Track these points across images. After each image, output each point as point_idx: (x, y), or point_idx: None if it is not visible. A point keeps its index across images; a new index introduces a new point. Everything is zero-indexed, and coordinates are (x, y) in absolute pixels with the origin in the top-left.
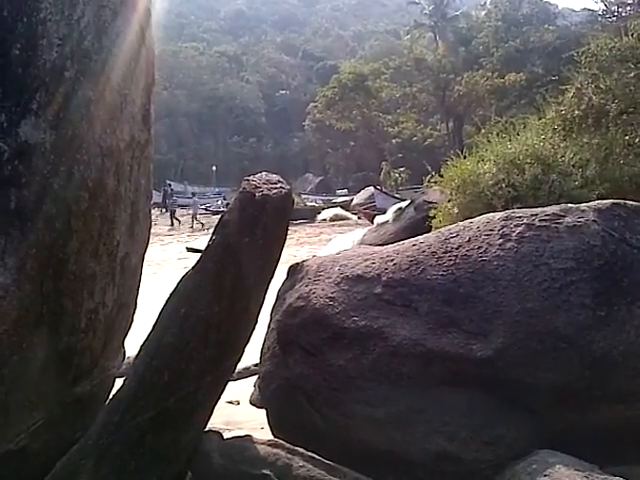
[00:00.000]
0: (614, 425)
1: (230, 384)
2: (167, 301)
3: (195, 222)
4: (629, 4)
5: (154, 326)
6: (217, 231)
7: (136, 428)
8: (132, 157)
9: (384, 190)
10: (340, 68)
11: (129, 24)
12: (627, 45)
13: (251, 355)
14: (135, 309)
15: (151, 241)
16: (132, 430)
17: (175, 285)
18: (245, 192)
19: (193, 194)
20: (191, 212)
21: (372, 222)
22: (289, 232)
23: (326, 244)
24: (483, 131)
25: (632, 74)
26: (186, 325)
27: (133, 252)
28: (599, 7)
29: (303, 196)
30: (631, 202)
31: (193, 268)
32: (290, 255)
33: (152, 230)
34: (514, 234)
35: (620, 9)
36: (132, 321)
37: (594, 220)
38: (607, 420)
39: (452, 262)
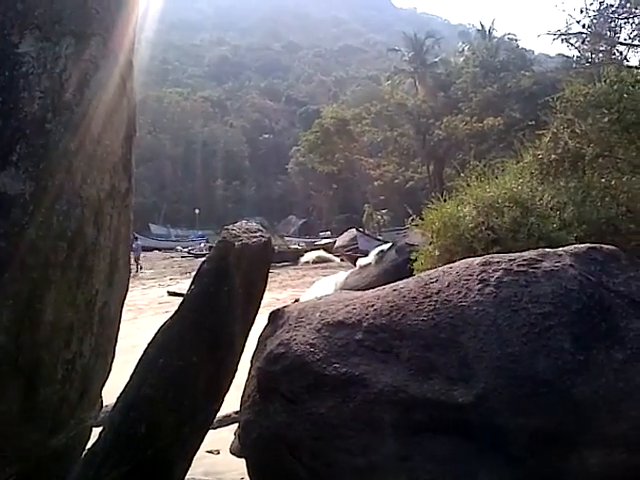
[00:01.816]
0: (597, 470)
1: (210, 433)
2: (145, 351)
3: (137, 266)
4: (602, 51)
5: (131, 377)
6: (196, 280)
7: None
8: (112, 206)
9: (366, 232)
10: (322, 113)
11: (111, 76)
12: (600, 91)
13: (232, 402)
14: (113, 358)
15: (133, 285)
16: None
17: (153, 335)
18: (224, 241)
19: (136, 238)
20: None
21: (355, 264)
22: (271, 275)
23: (309, 287)
24: (463, 174)
25: (606, 119)
26: (164, 376)
27: (112, 301)
28: (573, 54)
29: (286, 238)
30: (607, 246)
31: (171, 318)
32: (273, 298)
33: (134, 274)
34: (493, 279)
35: (593, 56)
36: (110, 370)
37: (571, 265)
38: (589, 466)
39: (432, 307)
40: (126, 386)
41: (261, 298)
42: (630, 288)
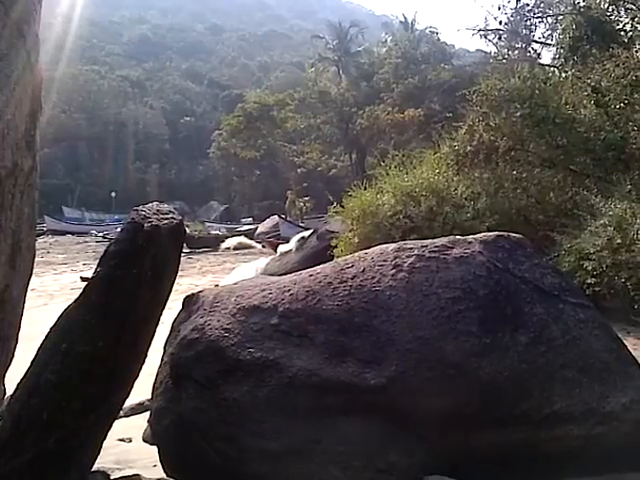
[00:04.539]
0: (501, 449)
1: (122, 421)
2: (47, 336)
3: None
4: (517, 48)
5: (32, 362)
6: (103, 262)
7: (12, 472)
8: (14, 185)
9: (289, 219)
10: (245, 97)
11: (12, 47)
12: (514, 86)
13: (145, 390)
14: (16, 344)
15: (43, 270)
16: (8, 475)
17: (56, 319)
18: (133, 222)
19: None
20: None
21: (276, 251)
22: (191, 261)
23: (229, 273)
24: (383, 164)
25: (518, 113)
26: (68, 361)
27: (14, 284)
28: (491, 50)
29: (207, 224)
30: (514, 234)
31: (76, 301)
32: (191, 284)
33: (45, 259)
34: (405, 265)
35: (510, 52)
36: (13, 357)
37: (480, 251)
38: (495, 444)
39: (347, 292)
40: (27, 372)
41: (173, 282)
42: (534, 275)
